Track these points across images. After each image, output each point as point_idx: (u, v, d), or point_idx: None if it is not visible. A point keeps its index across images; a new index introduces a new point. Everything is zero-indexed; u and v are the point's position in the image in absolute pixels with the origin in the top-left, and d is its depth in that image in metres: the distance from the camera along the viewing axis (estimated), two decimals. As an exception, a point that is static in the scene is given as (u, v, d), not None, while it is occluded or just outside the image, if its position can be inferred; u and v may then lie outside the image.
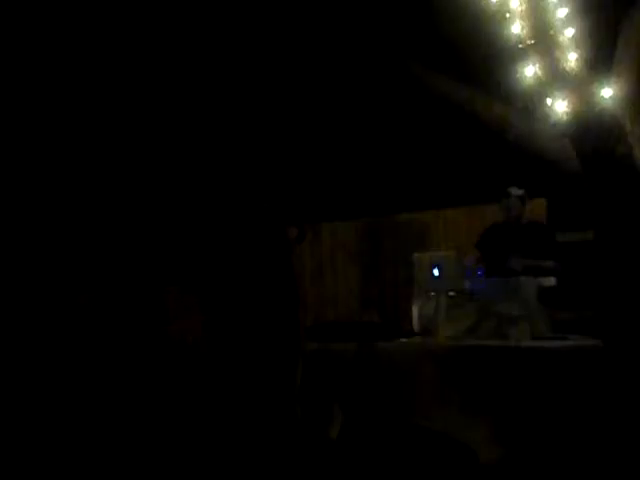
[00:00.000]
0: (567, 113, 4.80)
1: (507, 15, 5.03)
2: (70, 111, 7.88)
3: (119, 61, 7.71)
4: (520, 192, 5.84)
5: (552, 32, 4.97)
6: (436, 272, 4.61)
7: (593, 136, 4.78)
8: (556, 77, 4.89)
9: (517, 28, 5.02)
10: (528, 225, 5.85)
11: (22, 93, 7.63)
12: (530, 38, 4.98)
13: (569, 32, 4.98)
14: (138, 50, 7.63)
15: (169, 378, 7.36)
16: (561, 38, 4.98)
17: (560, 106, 4.82)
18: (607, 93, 4.76)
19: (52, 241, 7.95)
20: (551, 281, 4.73)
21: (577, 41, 4.98)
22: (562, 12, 5.01)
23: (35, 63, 7.57)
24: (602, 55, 4.96)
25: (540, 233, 5.78)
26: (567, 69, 4.92)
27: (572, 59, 4.95)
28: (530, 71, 4.93)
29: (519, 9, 5.00)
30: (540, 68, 4.91)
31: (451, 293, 4.57)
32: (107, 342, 7.55)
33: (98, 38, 7.54)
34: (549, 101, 4.89)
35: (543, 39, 4.97)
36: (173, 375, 7.44)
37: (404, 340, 4.67)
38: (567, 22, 4.99)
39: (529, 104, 5.06)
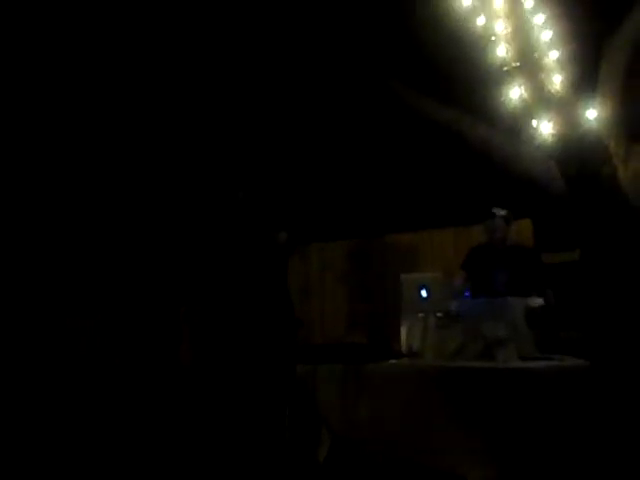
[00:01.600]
0: (552, 135, 4.84)
1: (492, 38, 5.08)
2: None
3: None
4: (504, 212, 5.83)
5: (537, 55, 5.02)
6: (424, 293, 4.61)
7: (578, 157, 4.82)
8: (541, 99, 4.93)
9: (502, 51, 5.07)
10: (513, 247, 5.85)
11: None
12: (515, 61, 5.03)
13: (554, 55, 5.04)
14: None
15: (164, 399, 7.35)
16: (546, 61, 5.03)
17: (545, 128, 4.86)
18: (592, 115, 4.81)
19: (64, 260, 7.94)
20: (538, 302, 4.74)
21: (562, 64, 5.03)
22: (547, 35, 5.07)
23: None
24: (586, 77, 5.01)
25: (526, 256, 5.78)
26: (552, 91, 4.97)
27: (557, 81, 5.00)
28: (515, 93, 4.98)
29: (504, 32, 5.05)
30: (525, 90, 4.95)
31: (439, 314, 4.57)
32: (117, 366, 7.54)
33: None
34: (534, 123, 4.92)
35: (528, 62, 5.02)
36: (167, 396, 7.43)
37: (392, 361, 4.66)
38: (552, 45, 5.05)
39: (514, 126, 5.09)
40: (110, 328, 7.86)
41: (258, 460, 5.31)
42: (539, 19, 5.12)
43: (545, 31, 5.07)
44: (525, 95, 4.93)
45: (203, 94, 7.85)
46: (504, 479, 3.86)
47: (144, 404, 7.29)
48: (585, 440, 3.84)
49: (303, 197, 8.07)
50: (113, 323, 7.90)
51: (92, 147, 8.07)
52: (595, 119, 4.76)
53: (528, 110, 4.92)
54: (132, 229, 8.25)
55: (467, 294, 4.65)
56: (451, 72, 5.92)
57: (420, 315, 4.63)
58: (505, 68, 5.02)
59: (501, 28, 5.03)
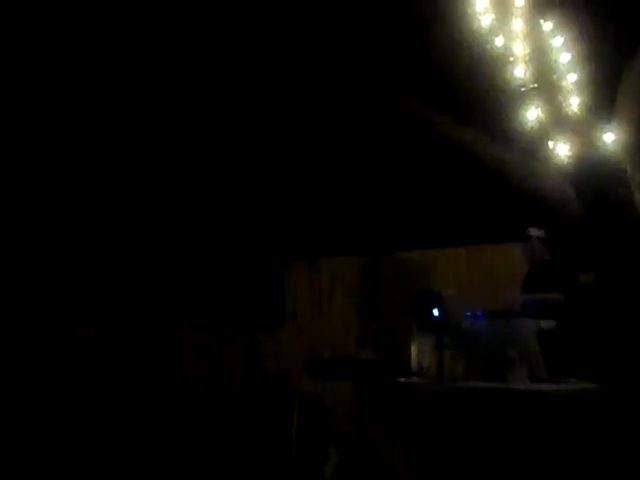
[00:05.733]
0: (569, 157, 4.83)
1: (511, 59, 5.09)
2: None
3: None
4: (540, 233, 5.56)
5: (555, 77, 5.03)
6: (436, 312, 4.59)
7: (594, 180, 4.81)
8: (558, 121, 4.93)
9: (520, 72, 5.08)
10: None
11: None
12: (533, 82, 5.04)
13: (572, 77, 5.05)
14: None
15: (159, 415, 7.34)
16: (564, 83, 5.04)
17: (562, 149, 4.86)
18: (609, 138, 4.80)
19: (66, 268, 7.94)
20: (551, 324, 4.71)
21: (580, 86, 5.03)
22: (565, 57, 5.08)
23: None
24: (604, 101, 5.01)
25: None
26: (569, 113, 4.97)
27: (574, 104, 5.00)
28: (533, 114, 4.98)
29: (523, 53, 5.06)
30: (543, 111, 4.95)
31: (450, 333, 4.55)
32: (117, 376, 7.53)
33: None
34: (551, 144, 4.92)
35: (546, 83, 5.02)
36: (164, 411, 7.42)
37: (402, 380, 4.63)
38: (570, 67, 5.06)
39: (531, 146, 5.09)
40: (110, 336, 7.85)
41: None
42: (558, 41, 5.13)
43: (564, 53, 5.08)
44: (542, 116, 4.93)
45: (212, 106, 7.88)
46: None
47: (142, 413, 7.30)
48: (595, 464, 3.81)
49: (316, 212, 8.09)
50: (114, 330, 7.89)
51: (93, 151, 8.08)
52: (612, 143, 4.76)
53: (545, 131, 4.92)
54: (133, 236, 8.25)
55: (479, 314, 4.61)
56: (469, 92, 5.92)
57: (431, 334, 4.60)
58: (523, 89, 5.02)
59: (520, 49, 5.04)
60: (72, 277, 7.96)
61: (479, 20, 5.21)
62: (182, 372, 7.92)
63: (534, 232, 5.50)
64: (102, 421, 7.06)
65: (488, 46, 5.13)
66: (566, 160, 4.79)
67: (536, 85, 5.00)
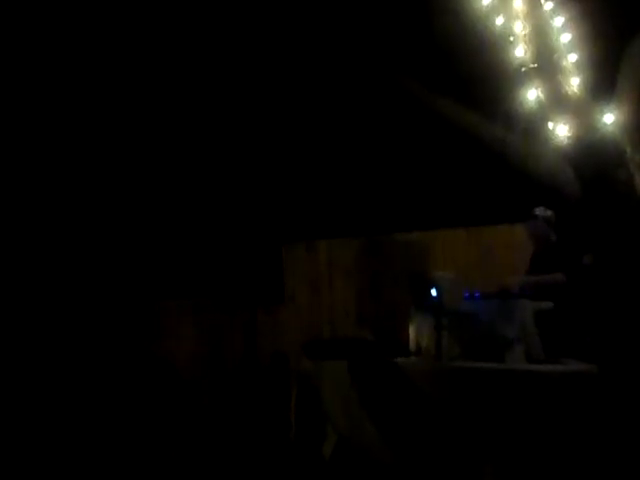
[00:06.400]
0: (568, 137, 4.81)
1: (511, 38, 5.06)
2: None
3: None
4: (547, 213, 5.50)
5: (555, 57, 5.00)
6: (434, 292, 4.59)
7: (594, 161, 4.79)
8: (558, 101, 4.91)
9: (520, 51, 5.05)
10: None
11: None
12: (533, 62, 5.01)
13: (572, 57, 5.02)
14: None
15: (157, 397, 7.35)
16: (564, 63, 5.01)
17: (561, 130, 4.84)
18: (609, 119, 4.78)
19: (47, 253, 7.93)
20: (549, 305, 4.71)
21: (580, 66, 5.00)
22: (566, 37, 5.05)
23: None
24: (604, 81, 4.98)
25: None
26: (569, 94, 4.95)
27: (575, 84, 4.97)
28: (532, 94, 4.96)
29: (523, 33, 5.03)
30: (542, 92, 4.93)
31: (448, 314, 4.55)
32: (95, 355, 7.53)
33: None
34: (551, 125, 4.90)
35: (546, 63, 5.00)
36: (163, 392, 7.44)
37: (400, 360, 4.64)
38: (570, 47, 5.03)
39: (530, 127, 5.07)
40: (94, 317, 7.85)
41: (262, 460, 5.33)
42: (558, 21, 5.10)
43: (564, 33, 5.05)
44: (542, 97, 4.91)
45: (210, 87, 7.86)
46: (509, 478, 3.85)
47: (138, 393, 7.32)
48: (591, 444, 3.83)
49: (315, 193, 8.08)
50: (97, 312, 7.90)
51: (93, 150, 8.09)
52: (612, 123, 4.73)
53: (545, 112, 4.90)
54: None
55: (477, 295, 4.61)
56: (468, 72, 5.90)
57: (429, 314, 4.61)
58: (523, 69, 5.00)
59: (520, 28, 5.01)
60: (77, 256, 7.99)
61: (479, 0, 5.18)
62: (181, 351, 7.93)
63: (540, 212, 5.45)
64: (97, 401, 7.08)
65: (488, 26, 5.09)
66: (566, 141, 4.77)
67: (536, 65, 4.97)
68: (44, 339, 7.45)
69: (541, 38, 5.00)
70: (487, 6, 5.14)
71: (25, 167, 7.84)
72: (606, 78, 5.05)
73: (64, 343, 7.52)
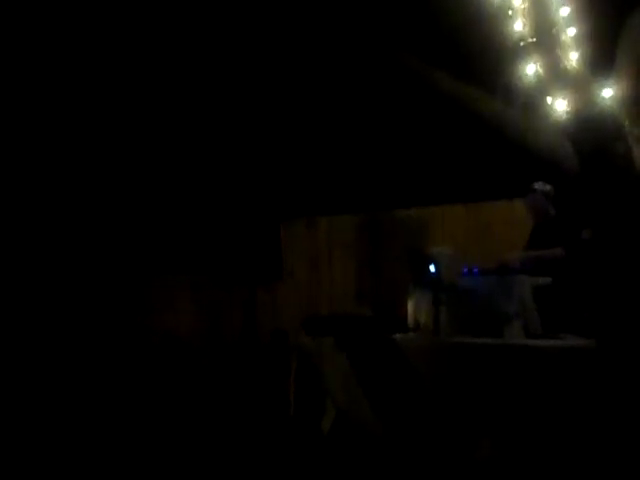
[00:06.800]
0: (567, 112, 4.80)
1: (509, 12, 5.02)
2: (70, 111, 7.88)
3: (118, 61, 7.72)
4: (545, 187, 5.43)
5: (554, 31, 4.97)
6: (432, 268, 4.59)
7: (592, 135, 4.78)
8: (557, 76, 4.89)
9: (519, 26, 5.02)
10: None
11: (22, 93, 7.63)
12: (532, 36, 4.98)
13: (571, 31, 4.98)
14: (137, 50, 7.65)
15: (156, 371, 7.39)
16: (563, 37, 4.98)
17: (560, 105, 4.82)
18: (607, 93, 4.75)
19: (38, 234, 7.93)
20: (547, 280, 4.71)
21: (579, 40, 4.97)
22: (564, 11, 5.01)
23: (35, 63, 7.57)
24: (603, 55, 4.95)
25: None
26: (568, 68, 4.92)
27: (573, 58, 4.95)
28: (531, 69, 4.93)
29: (521, 7, 4.99)
30: (541, 66, 4.90)
31: (447, 290, 4.55)
32: (89, 334, 7.56)
33: (98, 38, 7.54)
34: (549, 99, 4.88)
35: (545, 37, 4.96)
36: (161, 368, 7.47)
37: (398, 335, 4.66)
38: (569, 21, 4.99)
39: (529, 102, 5.05)
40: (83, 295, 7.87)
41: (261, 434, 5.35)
42: (557, -6, 5.06)
43: (563, 7, 5.01)
44: (541, 71, 4.88)
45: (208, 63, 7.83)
46: (508, 455, 3.87)
47: (138, 370, 7.35)
48: (590, 419, 3.84)
49: (314, 169, 8.07)
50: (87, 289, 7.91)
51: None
52: (611, 98, 4.71)
53: (543, 86, 4.88)
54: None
55: (475, 270, 4.62)
56: (467, 47, 5.86)
57: (428, 290, 4.61)
58: (522, 43, 4.97)
59: (519, 2, 4.97)
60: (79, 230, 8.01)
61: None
62: (180, 327, 7.96)
63: (539, 186, 5.43)
64: (98, 376, 7.12)
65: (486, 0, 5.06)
66: (564, 115, 4.75)
67: (535, 39, 4.94)
68: (42, 315, 7.47)
69: (540, 12, 4.96)
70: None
71: (24, 143, 7.83)
72: (605, 52, 5.03)
73: (62, 321, 7.55)
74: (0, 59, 7.26)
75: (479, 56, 5.67)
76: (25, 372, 6.93)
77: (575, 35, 4.97)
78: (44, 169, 7.95)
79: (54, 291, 7.71)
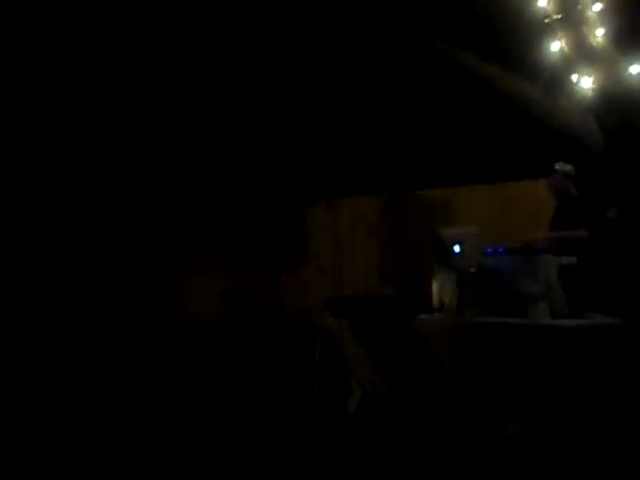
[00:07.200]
0: (593, 89, 4.74)
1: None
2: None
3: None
4: (566, 167, 5.38)
5: (580, 7, 4.90)
6: (457, 249, 4.57)
7: (618, 112, 4.72)
8: (583, 53, 4.83)
9: (544, 2, 4.95)
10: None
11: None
12: (557, 12, 4.92)
13: (597, 7, 4.91)
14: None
15: (182, 354, 7.45)
16: (589, 13, 4.91)
17: (586, 82, 4.76)
18: (634, 69, 4.69)
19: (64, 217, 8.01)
20: (572, 260, 4.67)
21: (605, 16, 4.90)
22: (590, -14, 4.94)
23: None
24: (630, 31, 4.88)
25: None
26: (594, 45, 4.86)
27: (599, 35, 4.88)
28: (556, 46, 4.87)
29: (546, -17, 4.94)
30: (566, 43, 4.84)
31: (472, 270, 4.53)
32: (113, 318, 7.63)
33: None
34: (575, 77, 4.82)
35: (570, 14, 4.90)
36: (187, 351, 7.53)
37: (423, 316, 4.65)
38: (595, -3, 4.93)
39: (554, 79, 4.99)
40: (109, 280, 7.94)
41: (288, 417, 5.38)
42: (583, -31, 4.99)
43: (589, -18, 4.94)
44: (566, 48, 4.82)
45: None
46: (535, 433, 3.87)
47: (164, 351, 7.42)
48: (616, 397, 3.83)
49: (338, 150, 8.05)
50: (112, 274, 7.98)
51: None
52: (638, 74, 4.65)
53: (569, 63, 4.82)
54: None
55: (501, 250, 4.59)
56: (491, 24, 5.79)
57: (452, 270, 4.59)
58: (546, 20, 4.91)
59: (543, -22, 4.91)
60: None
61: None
62: (204, 311, 8.01)
63: (559, 166, 5.39)
64: (123, 360, 7.20)
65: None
66: (590, 92, 4.70)
67: (560, 16, 4.87)
68: (67, 297, 7.56)
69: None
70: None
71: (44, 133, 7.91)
72: (632, 28, 4.96)
73: (90, 306, 7.63)
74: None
75: (503, 33, 5.61)
76: (53, 355, 7.02)
77: (601, 11, 4.89)
78: (70, 154, 8.02)
79: (82, 277, 7.80)
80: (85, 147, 8.05)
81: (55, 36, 7.46)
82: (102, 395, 6.30)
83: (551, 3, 4.92)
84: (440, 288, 4.67)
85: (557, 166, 5.37)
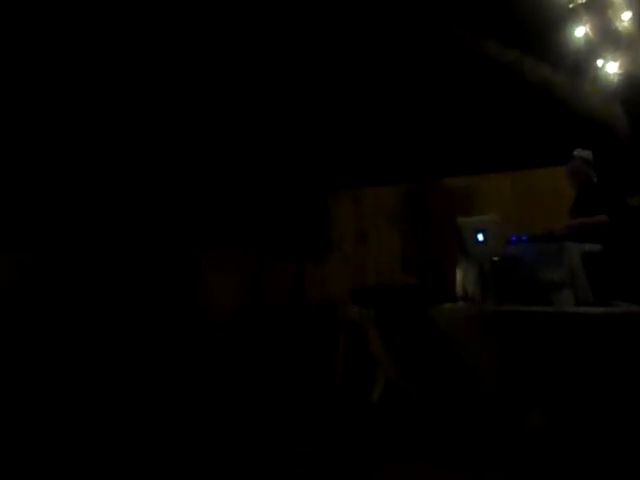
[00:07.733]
0: (618, 74, 4.68)
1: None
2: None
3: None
4: (585, 154, 5.38)
5: (605, -10, 4.85)
6: (480, 237, 4.54)
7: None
8: (608, 38, 4.77)
9: (568, -13, 4.90)
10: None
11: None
12: (582, -3, 4.87)
13: (622, -10, 4.85)
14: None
15: (207, 345, 7.49)
16: (614, -3, 4.85)
17: (611, 67, 4.70)
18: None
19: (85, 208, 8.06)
20: (595, 247, 4.63)
21: (631, 0, 4.84)
22: (615, -31, 4.87)
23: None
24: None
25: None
26: (620, 29, 4.80)
27: (625, 19, 4.81)
28: (581, 32, 4.82)
29: (570, -33, 4.88)
30: (591, 28, 4.79)
31: (495, 258, 4.51)
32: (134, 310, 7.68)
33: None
34: (600, 62, 4.77)
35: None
36: (211, 341, 7.57)
37: (448, 305, 4.63)
38: (620, -20, 4.86)
39: (579, 65, 4.94)
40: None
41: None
42: (608, -48, 4.93)
43: (614, -35, 4.87)
44: (591, 33, 4.77)
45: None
46: (559, 423, 3.84)
47: (189, 341, 7.46)
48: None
49: (360, 140, 8.03)
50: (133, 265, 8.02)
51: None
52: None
53: (594, 49, 4.77)
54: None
55: (524, 238, 4.56)
56: (514, 10, 5.74)
57: (476, 259, 4.57)
58: (571, 5, 4.85)
59: (567, -38, 4.85)
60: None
61: None
62: (228, 301, 8.04)
63: (578, 153, 5.35)
64: (148, 348, 7.25)
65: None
66: (615, 77, 4.64)
67: (584, 0, 4.82)
68: (92, 290, 7.62)
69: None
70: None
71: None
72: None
73: (114, 298, 7.68)
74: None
75: (528, 19, 5.55)
76: (83, 344, 7.09)
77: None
78: (91, 146, 8.07)
79: (105, 268, 7.85)
80: (106, 141, 8.10)
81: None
82: (130, 388, 6.36)
83: (575, -12, 4.87)
84: (463, 277, 4.65)
85: (576, 152, 5.34)
